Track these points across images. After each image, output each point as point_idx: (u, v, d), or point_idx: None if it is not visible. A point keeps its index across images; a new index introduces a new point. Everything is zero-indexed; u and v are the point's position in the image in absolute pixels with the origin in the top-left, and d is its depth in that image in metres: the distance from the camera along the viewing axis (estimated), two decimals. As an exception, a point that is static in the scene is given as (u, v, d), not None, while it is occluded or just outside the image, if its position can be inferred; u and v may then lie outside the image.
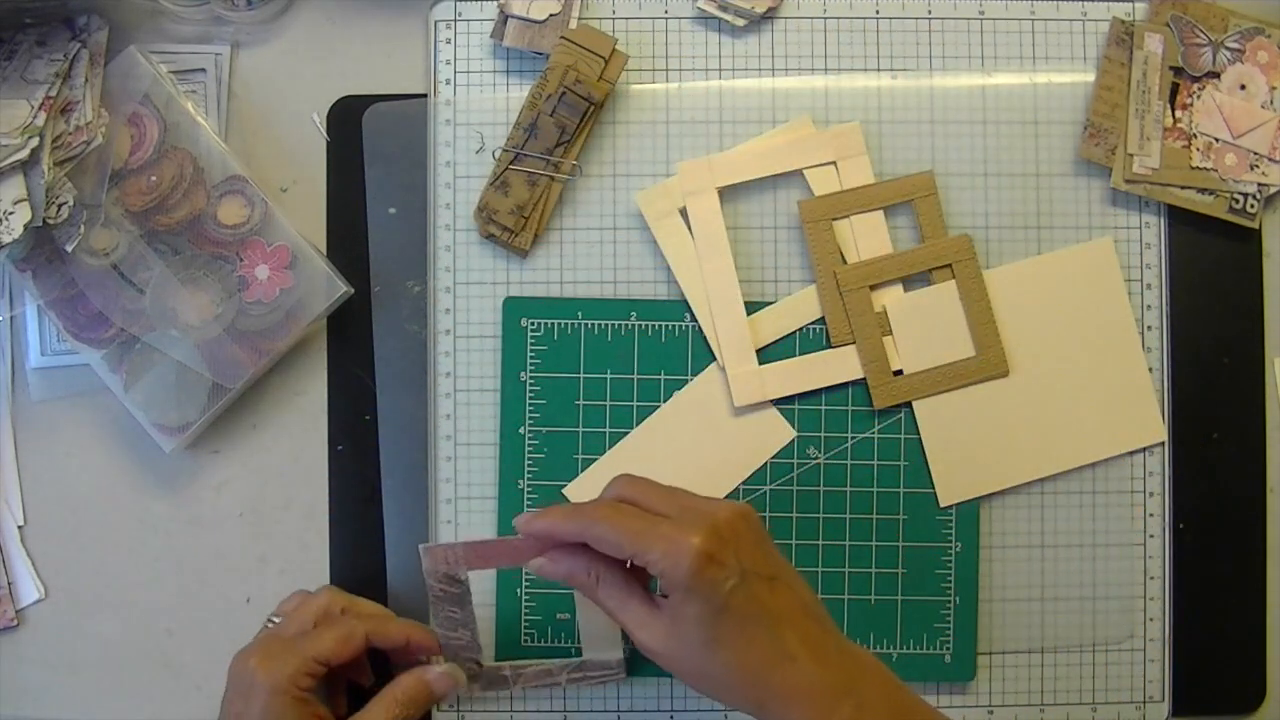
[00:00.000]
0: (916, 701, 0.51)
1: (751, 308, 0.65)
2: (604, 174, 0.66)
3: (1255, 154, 0.66)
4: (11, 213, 0.59)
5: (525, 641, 0.64)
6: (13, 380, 0.66)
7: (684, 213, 0.65)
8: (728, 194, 0.65)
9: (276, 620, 0.60)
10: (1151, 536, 0.66)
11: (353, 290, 0.65)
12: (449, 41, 0.66)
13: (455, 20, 0.67)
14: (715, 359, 0.65)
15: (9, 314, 0.66)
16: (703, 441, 0.65)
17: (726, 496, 0.65)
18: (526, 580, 0.65)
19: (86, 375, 0.64)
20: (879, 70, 0.67)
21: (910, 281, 0.65)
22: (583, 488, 0.65)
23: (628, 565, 0.52)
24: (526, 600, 0.65)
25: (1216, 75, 0.66)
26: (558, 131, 0.64)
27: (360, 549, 0.66)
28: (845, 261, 0.65)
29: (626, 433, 0.65)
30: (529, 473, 0.65)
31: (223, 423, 0.65)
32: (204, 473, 0.66)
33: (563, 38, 0.64)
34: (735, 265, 0.65)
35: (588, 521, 0.51)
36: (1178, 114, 0.66)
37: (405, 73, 0.67)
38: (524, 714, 0.65)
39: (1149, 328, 0.66)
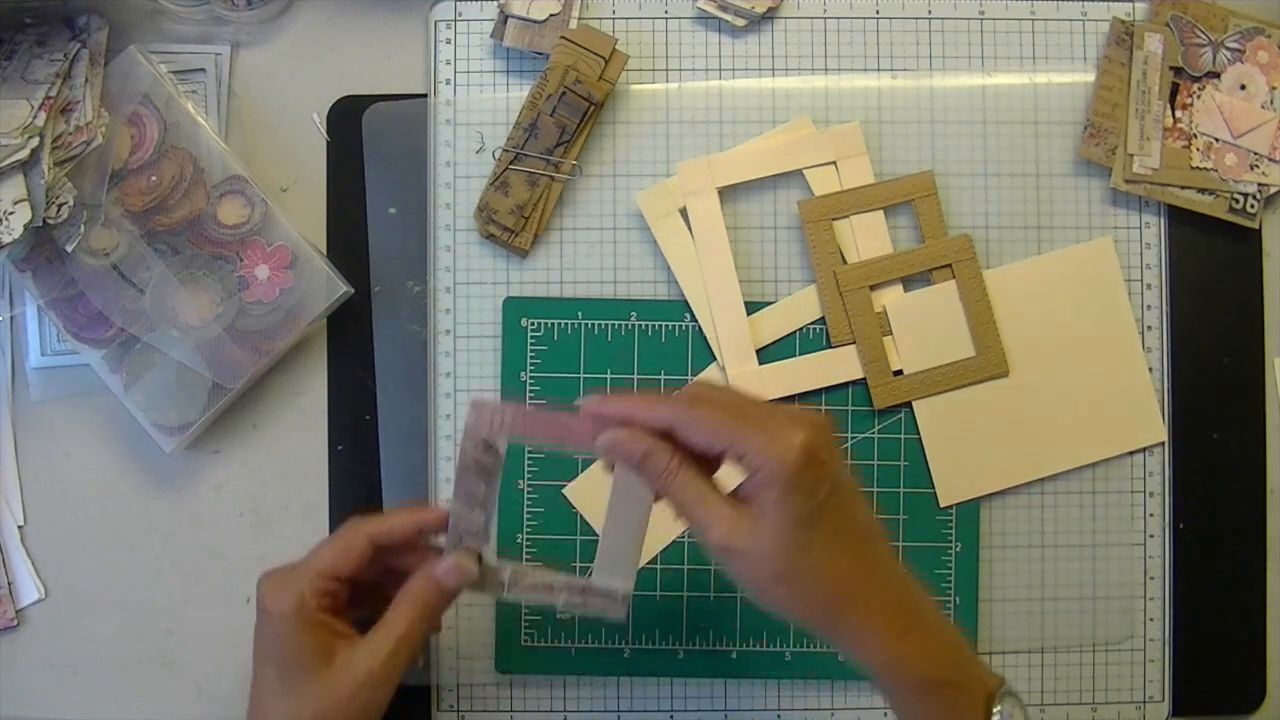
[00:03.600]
0: (959, 633, 0.51)
1: (751, 308, 0.65)
2: (604, 174, 0.66)
3: (1255, 154, 0.66)
4: (11, 213, 0.59)
5: (525, 641, 0.64)
6: (13, 380, 0.66)
7: (684, 213, 0.65)
8: (728, 194, 0.65)
9: None
10: (1151, 536, 0.66)
11: (353, 290, 0.65)
12: (449, 41, 0.66)
13: (455, 20, 0.67)
14: (715, 359, 0.65)
15: (9, 314, 0.66)
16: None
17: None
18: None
19: (86, 375, 0.64)
20: (879, 70, 0.67)
21: (910, 281, 0.65)
22: (583, 488, 0.65)
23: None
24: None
25: (1216, 75, 0.66)
26: (558, 131, 0.64)
27: (360, 549, 0.65)
28: (845, 261, 0.65)
29: (626, 433, 0.65)
30: (529, 473, 0.65)
31: (223, 423, 0.65)
32: (204, 473, 0.66)
33: (563, 38, 0.64)
34: (735, 265, 0.65)
35: (679, 408, 0.48)
36: (1178, 114, 0.66)
37: (405, 73, 0.67)
38: (524, 714, 0.65)
39: (1149, 328, 0.66)
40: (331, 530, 0.66)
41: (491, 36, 0.66)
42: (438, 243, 0.66)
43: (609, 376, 0.65)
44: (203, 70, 0.66)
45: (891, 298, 0.65)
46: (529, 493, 0.65)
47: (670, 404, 0.49)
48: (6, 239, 0.59)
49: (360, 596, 0.55)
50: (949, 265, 0.65)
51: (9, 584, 0.65)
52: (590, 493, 0.65)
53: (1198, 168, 0.66)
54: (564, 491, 0.65)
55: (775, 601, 0.48)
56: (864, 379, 0.65)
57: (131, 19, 0.66)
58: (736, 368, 0.64)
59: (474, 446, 0.53)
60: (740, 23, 0.66)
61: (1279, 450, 0.67)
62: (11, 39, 0.64)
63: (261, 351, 0.64)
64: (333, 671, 0.52)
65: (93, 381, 0.64)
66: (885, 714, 0.65)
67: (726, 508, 0.48)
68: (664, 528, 0.64)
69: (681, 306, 0.65)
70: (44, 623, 0.66)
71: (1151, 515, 0.66)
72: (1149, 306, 0.66)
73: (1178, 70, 0.66)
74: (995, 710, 0.48)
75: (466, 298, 0.66)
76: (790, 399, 0.65)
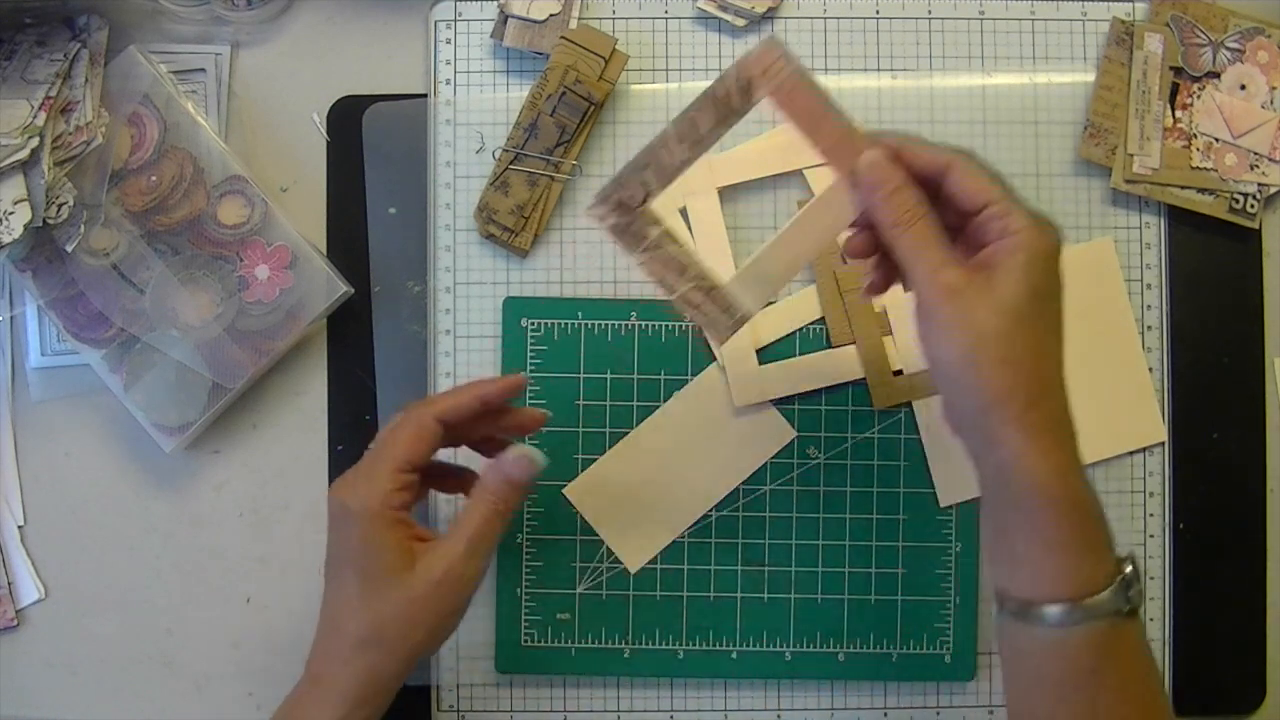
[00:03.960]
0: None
1: (751, 308, 0.65)
2: (604, 174, 0.66)
3: (1255, 154, 0.66)
4: (11, 213, 0.59)
5: (525, 641, 0.64)
6: (13, 380, 0.66)
7: (684, 213, 0.65)
8: (728, 194, 0.65)
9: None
10: (1151, 536, 0.66)
11: (353, 290, 0.65)
12: (449, 41, 0.66)
13: (455, 20, 0.67)
14: (715, 359, 0.65)
15: (9, 314, 0.66)
16: (703, 441, 0.65)
17: (726, 497, 0.65)
18: (527, 580, 0.65)
19: (86, 375, 0.64)
20: (879, 70, 0.67)
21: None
22: (583, 488, 0.65)
23: None
24: (527, 600, 0.65)
25: (1216, 75, 0.66)
26: (558, 131, 0.64)
27: (360, 549, 0.65)
28: (845, 261, 0.65)
29: (626, 433, 0.65)
30: (529, 473, 0.65)
31: (223, 423, 0.65)
32: (204, 473, 0.66)
33: (563, 38, 0.64)
34: (735, 265, 0.64)
35: (963, 157, 0.48)
36: (1178, 114, 0.66)
37: (405, 73, 0.67)
38: (524, 714, 0.65)
39: (1149, 328, 0.66)
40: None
41: (491, 36, 0.66)
42: (438, 243, 0.66)
43: (609, 376, 0.65)
44: (203, 70, 0.66)
45: (891, 298, 0.65)
46: (529, 492, 0.65)
47: (954, 151, 0.49)
48: (6, 239, 0.59)
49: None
50: (949, 265, 0.65)
51: (9, 584, 0.65)
52: (590, 493, 0.65)
53: (1198, 168, 0.66)
54: (564, 491, 0.65)
55: (971, 363, 0.46)
56: (864, 379, 0.65)
57: (131, 19, 0.66)
58: (736, 368, 0.64)
59: (735, 79, 0.49)
60: (740, 23, 0.66)
61: (1279, 450, 0.67)
62: (11, 39, 0.64)
63: (261, 351, 0.64)
64: (415, 572, 0.51)
65: (93, 381, 0.64)
66: (885, 715, 0.65)
67: (958, 259, 0.47)
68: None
69: (681, 306, 0.65)
70: (44, 623, 0.66)
71: (1151, 515, 0.66)
72: (1149, 306, 0.66)
73: (1178, 70, 0.66)
74: (1127, 563, 0.47)
75: (466, 298, 0.66)
76: (790, 399, 0.65)
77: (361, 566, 0.51)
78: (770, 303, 0.64)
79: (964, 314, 0.46)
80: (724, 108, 0.49)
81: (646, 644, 0.64)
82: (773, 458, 0.65)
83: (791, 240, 0.50)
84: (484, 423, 0.57)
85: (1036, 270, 0.46)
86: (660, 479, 0.65)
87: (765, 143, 0.66)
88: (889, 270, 0.52)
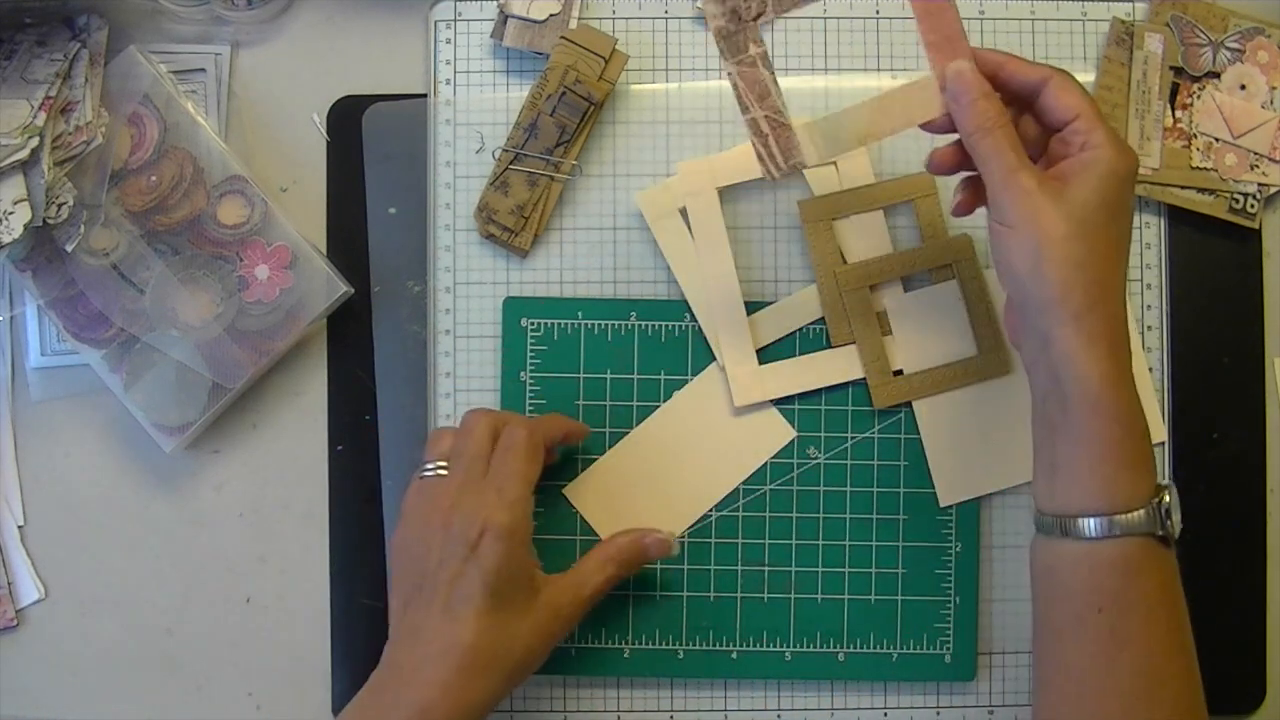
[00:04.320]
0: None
1: (751, 308, 0.65)
2: (604, 174, 0.66)
3: (1255, 154, 0.66)
4: (11, 213, 0.59)
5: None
6: (13, 380, 0.66)
7: (684, 213, 0.65)
8: (728, 194, 0.65)
9: (443, 467, 0.56)
10: (1151, 536, 0.66)
11: (353, 290, 0.65)
12: (449, 41, 0.66)
13: (455, 20, 0.67)
14: (715, 359, 0.65)
15: (9, 314, 0.66)
16: (703, 441, 0.65)
17: (726, 497, 0.65)
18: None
19: (86, 375, 0.64)
20: (879, 70, 0.67)
21: (910, 281, 0.65)
22: (583, 488, 0.65)
23: None
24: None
25: (1216, 75, 0.66)
26: (558, 131, 0.64)
27: (360, 549, 0.66)
28: (845, 261, 0.65)
29: (626, 433, 0.65)
30: (529, 473, 0.65)
31: (223, 423, 0.65)
32: (204, 473, 0.66)
33: (563, 38, 0.64)
34: (735, 265, 0.64)
35: (1057, 73, 0.51)
36: (1178, 114, 0.66)
37: (405, 73, 0.67)
38: (524, 714, 0.65)
39: (1149, 328, 0.66)
40: (331, 531, 0.66)
41: (491, 36, 0.66)
42: (438, 243, 0.66)
43: (609, 376, 0.65)
44: (203, 70, 0.66)
45: (891, 298, 0.65)
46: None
47: (1052, 69, 0.51)
48: (6, 239, 0.59)
49: None
50: (949, 265, 0.65)
51: (9, 584, 0.65)
52: (590, 493, 0.65)
53: (1198, 168, 0.66)
54: (564, 491, 0.65)
55: (1036, 261, 0.48)
56: (864, 379, 0.65)
57: (131, 19, 0.66)
58: (736, 368, 0.64)
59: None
60: (740, 23, 0.66)
61: (1279, 450, 0.67)
62: (11, 39, 0.64)
63: (261, 351, 0.64)
64: (540, 603, 0.52)
65: (93, 381, 0.64)
66: (885, 715, 0.65)
67: (1035, 168, 0.50)
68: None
69: (681, 306, 0.65)
70: (44, 623, 0.66)
71: (1151, 515, 0.66)
72: (1149, 306, 0.66)
73: (1178, 70, 0.66)
74: (1168, 491, 0.49)
75: (466, 298, 0.66)
76: (790, 399, 0.65)
77: (495, 588, 0.51)
78: (830, 163, 0.64)
79: (1034, 214, 0.48)
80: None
81: (646, 644, 0.64)
82: (773, 458, 0.65)
83: (873, 112, 0.52)
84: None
85: (1110, 184, 0.48)
86: (660, 479, 0.65)
87: (765, 143, 0.66)
88: (975, 191, 0.54)
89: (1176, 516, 0.48)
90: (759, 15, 0.52)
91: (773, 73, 0.52)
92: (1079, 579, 0.48)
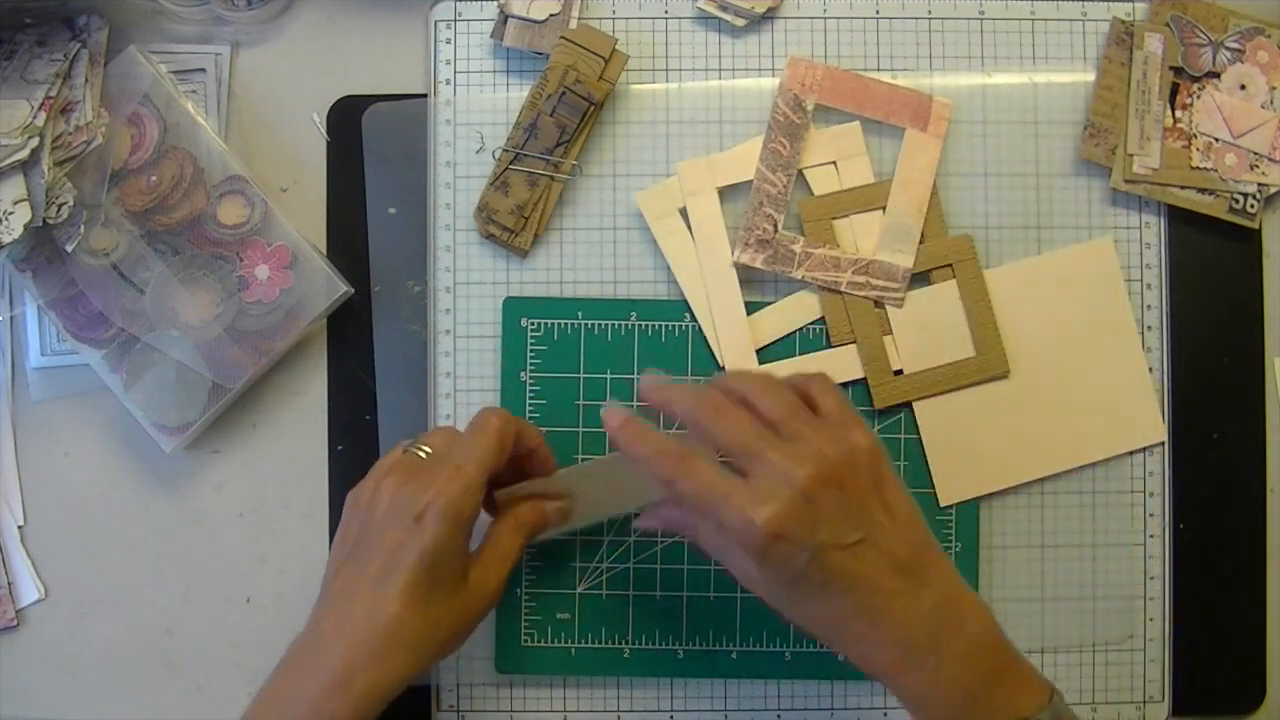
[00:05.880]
0: (1011, 659, 0.50)
1: (751, 308, 0.65)
2: (604, 174, 0.66)
3: (1255, 154, 0.66)
4: (11, 213, 0.59)
5: (525, 641, 0.64)
6: (13, 380, 0.66)
7: (684, 213, 0.65)
8: (728, 194, 0.65)
9: (425, 450, 0.56)
10: (1151, 536, 0.66)
11: (353, 290, 0.65)
12: (449, 41, 0.66)
13: (455, 20, 0.67)
14: (715, 359, 0.65)
15: (9, 314, 0.66)
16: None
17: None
18: (527, 580, 0.65)
19: (86, 375, 0.64)
20: (879, 70, 0.66)
21: (910, 281, 0.65)
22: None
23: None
24: (527, 600, 0.65)
25: (1216, 75, 0.66)
26: (558, 131, 0.64)
27: (360, 549, 0.65)
28: (845, 261, 0.65)
29: (626, 433, 0.65)
30: (529, 473, 0.65)
31: (223, 423, 0.65)
32: (204, 473, 0.66)
33: (563, 38, 0.64)
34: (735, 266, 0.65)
35: (700, 412, 0.50)
36: (1178, 114, 0.66)
37: (405, 73, 0.67)
38: (524, 714, 0.65)
39: (1149, 328, 0.66)
40: (331, 531, 0.66)
41: (491, 36, 0.66)
42: (438, 243, 0.66)
43: (609, 376, 0.65)
44: (203, 70, 0.66)
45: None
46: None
47: (692, 403, 0.50)
48: (6, 239, 0.59)
49: None
50: (949, 265, 0.65)
51: (9, 584, 0.65)
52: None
53: (1198, 168, 0.66)
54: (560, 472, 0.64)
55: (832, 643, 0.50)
56: (864, 379, 0.65)
57: (131, 19, 0.66)
58: (736, 367, 0.64)
59: (785, 103, 0.54)
60: (740, 23, 0.66)
61: (1279, 450, 0.67)
62: (11, 39, 0.64)
63: (261, 351, 0.64)
64: (469, 585, 0.53)
65: (93, 381, 0.64)
66: (885, 715, 0.65)
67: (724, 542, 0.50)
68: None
69: (681, 306, 0.65)
70: (44, 623, 0.66)
71: (1151, 515, 0.66)
72: (1149, 306, 0.66)
73: (1178, 70, 0.66)
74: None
75: (466, 298, 0.66)
76: (790, 399, 0.65)
77: (428, 568, 0.51)
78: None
79: (753, 588, 0.51)
80: (791, 128, 0.54)
81: (646, 644, 0.64)
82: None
83: (907, 184, 0.54)
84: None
85: (764, 569, 0.49)
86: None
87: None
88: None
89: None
90: (777, 226, 0.57)
91: (825, 241, 0.57)
92: None
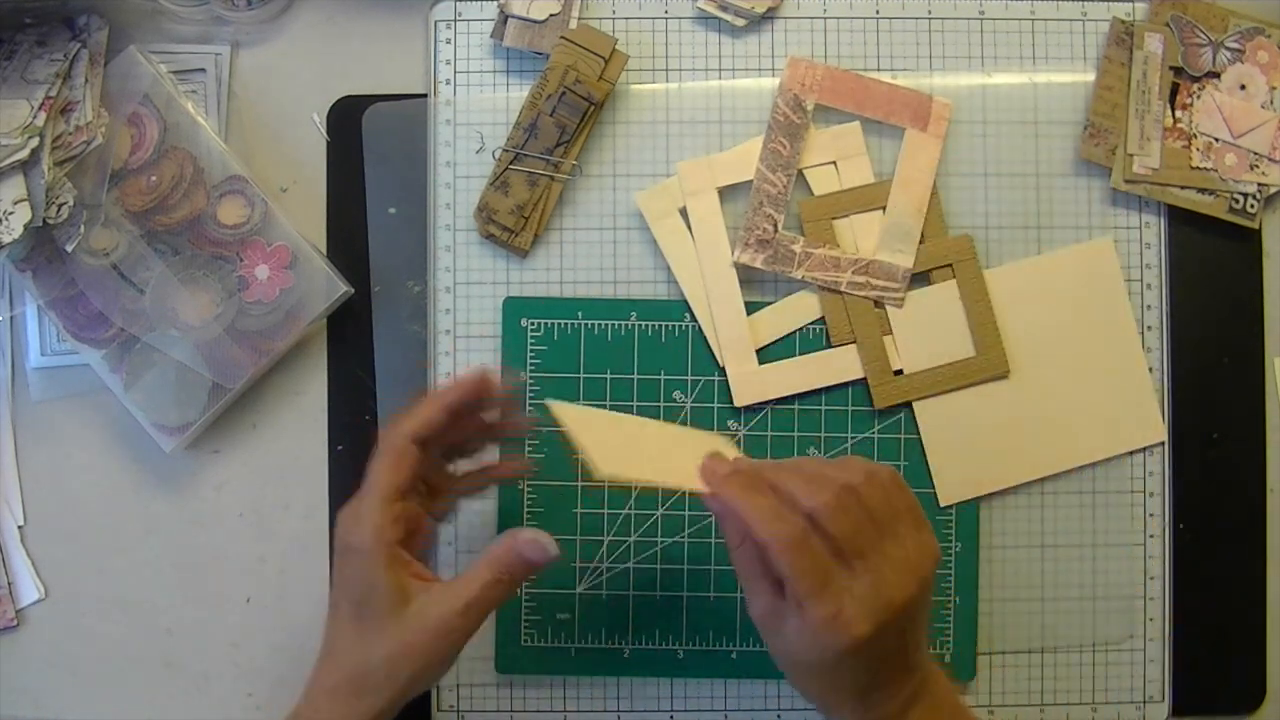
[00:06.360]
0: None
1: (751, 308, 0.65)
2: (604, 174, 0.66)
3: (1255, 154, 0.66)
4: (11, 213, 0.59)
5: (525, 641, 0.64)
6: (13, 380, 0.66)
7: (684, 213, 0.65)
8: (728, 194, 0.65)
9: None
10: (1151, 536, 0.66)
11: (353, 290, 0.65)
12: (449, 41, 0.66)
13: (455, 20, 0.67)
14: (715, 359, 0.65)
15: (9, 314, 0.66)
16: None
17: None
18: (525, 582, 0.65)
19: (86, 375, 0.64)
20: (879, 70, 0.66)
21: (911, 281, 0.65)
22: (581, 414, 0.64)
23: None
24: (527, 600, 0.65)
25: (1216, 75, 0.66)
26: (558, 131, 0.64)
27: (360, 549, 0.65)
28: (845, 261, 0.65)
29: (626, 433, 0.65)
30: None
31: (223, 423, 0.65)
32: (204, 473, 0.66)
33: (563, 38, 0.64)
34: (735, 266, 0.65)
35: (761, 522, 0.48)
36: (1178, 114, 0.66)
37: (405, 73, 0.67)
38: (524, 714, 0.65)
39: (1149, 328, 0.66)
40: (331, 531, 0.66)
41: (491, 36, 0.66)
42: (438, 243, 0.66)
43: (609, 376, 0.65)
44: (203, 70, 0.66)
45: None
46: (529, 493, 0.65)
47: (756, 508, 0.48)
48: (6, 239, 0.59)
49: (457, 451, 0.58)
50: (949, 265, 0.65)
51: (9, 584, 0.65)
52: (590, 421, 0.64)
53: (1198, 168, 0.66)
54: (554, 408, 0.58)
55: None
56: (864, 379, 0.65)
57: (131, 19, 0.66)
58: (736, 368, 0.64)
59: (785, 103, 0.54)
60: (740, 23, 0.66)
61: (1279, 450, 0.67)
62: (11, 39, 0.64)
63: (261, 351, 0.64)
64: (408, 615, 0.51)
65: (93, 381, 0.64)
66: (885, 714, 0.65)
67: (767, 599, 0.49)
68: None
69: (681, 306, 0.65)
70: (44, 623, 0.66)
71: (1151, 515, 0.66)
72: (1149, 306, 0.66)
73: (1178, 70, 0.66)
74: None
75: (466, 298, 0.66)
76: (790, 399, 0.65)
77: (356, 600, 0.51)
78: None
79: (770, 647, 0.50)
80: (791, 129, 0.54)
81: (646, 644, 0.64)
82: (774, 457, 0.65)
83: (907, 184, 0.54)
84: (471, 426, 0.56)
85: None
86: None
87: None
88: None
89: None
90: (777, 226, 0.56)
91: (825, 241, 0.57)
92: None
